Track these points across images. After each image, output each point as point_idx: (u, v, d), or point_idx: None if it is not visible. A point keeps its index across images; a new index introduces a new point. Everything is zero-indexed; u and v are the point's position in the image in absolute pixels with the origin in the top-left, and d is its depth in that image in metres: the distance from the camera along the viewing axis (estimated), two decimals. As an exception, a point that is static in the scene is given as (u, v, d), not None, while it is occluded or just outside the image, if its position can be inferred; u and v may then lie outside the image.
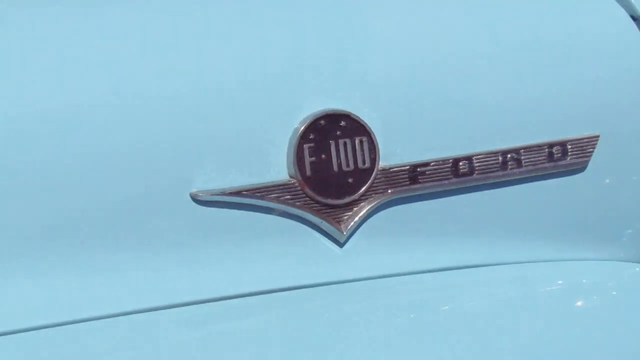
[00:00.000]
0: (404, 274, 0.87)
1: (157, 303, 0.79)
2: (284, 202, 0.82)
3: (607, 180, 0.96)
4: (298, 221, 0.83)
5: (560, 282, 0.91)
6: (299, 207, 0.83)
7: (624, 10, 0.99)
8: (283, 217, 0.83)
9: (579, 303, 0.90)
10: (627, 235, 0.97)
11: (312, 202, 0.83)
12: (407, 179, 0.86)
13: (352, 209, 0.84)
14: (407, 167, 0.86)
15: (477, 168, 0.88)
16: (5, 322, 0.76)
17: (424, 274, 0.87)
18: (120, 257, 0.79)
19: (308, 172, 0.82)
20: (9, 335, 0.76)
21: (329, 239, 0.84)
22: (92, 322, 0.78)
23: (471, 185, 0.89)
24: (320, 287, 0.83)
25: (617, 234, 0.97)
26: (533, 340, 0.85)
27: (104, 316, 0.78)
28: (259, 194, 0.81)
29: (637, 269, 0.96)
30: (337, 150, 0.83)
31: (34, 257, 0.77)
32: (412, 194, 0.87)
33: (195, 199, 0.79)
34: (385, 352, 0.80)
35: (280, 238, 0.83)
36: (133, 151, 0.79)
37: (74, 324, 0.77)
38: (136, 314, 0.79)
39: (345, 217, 0.84)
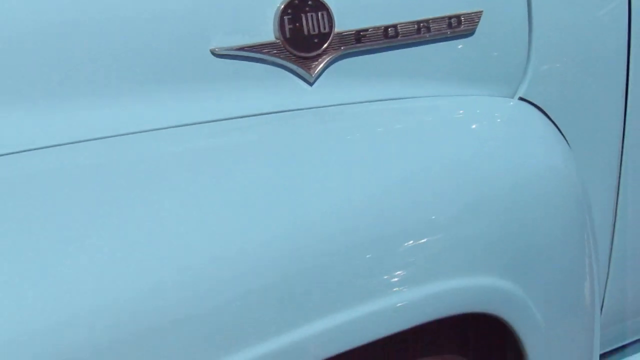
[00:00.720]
0: (354, 103, 1.04)
1: (176, 122, 0.92)
2: (272, 55, 0.98)
3: (489, 41, 1.13)
4: (282, 68, 1.00)
5: (461, 111, 1.10)
6: (282, 59, 0.99)
7: None
8: (272, 65, 0.99)
9: (474, 126, 1.08)
10: (504, 78, 1.15)
11: (291, 55, 0.99)
12: (354, 40, 1.03)
13: (318, 60, 1.01)
14: (354, 32, 1.03)
15: (400, 33, 1.06)
16: (22, 142, 0.84)
17: (365, 103, 1.05)
18: (150, 87, 0.91)
19: (288, 35, 0.99)
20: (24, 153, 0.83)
21: (302, 80, 1.01)
22: (114, 138, 0.88)
23: (397, 44, 1.05)
24: (298, 111, 1.00)
25: (498, 78, 1.14)
26: (443, 150, 1.01)
27: (129, 133, 0.89)
28: (256, 50, 0.97)
29: (511, 103, 1.15)
30: (307, 20, 1.00)
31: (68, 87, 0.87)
32: (358, 50, 1.03)
33: (214, 53, 0.95)
34: (340, 153, 0.96)
35: (270, 79, 0.99)
36: (172, 22, 0.93)
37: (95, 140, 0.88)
38: (158, 130, 0.91)
39: (313, 65, 1.01)
